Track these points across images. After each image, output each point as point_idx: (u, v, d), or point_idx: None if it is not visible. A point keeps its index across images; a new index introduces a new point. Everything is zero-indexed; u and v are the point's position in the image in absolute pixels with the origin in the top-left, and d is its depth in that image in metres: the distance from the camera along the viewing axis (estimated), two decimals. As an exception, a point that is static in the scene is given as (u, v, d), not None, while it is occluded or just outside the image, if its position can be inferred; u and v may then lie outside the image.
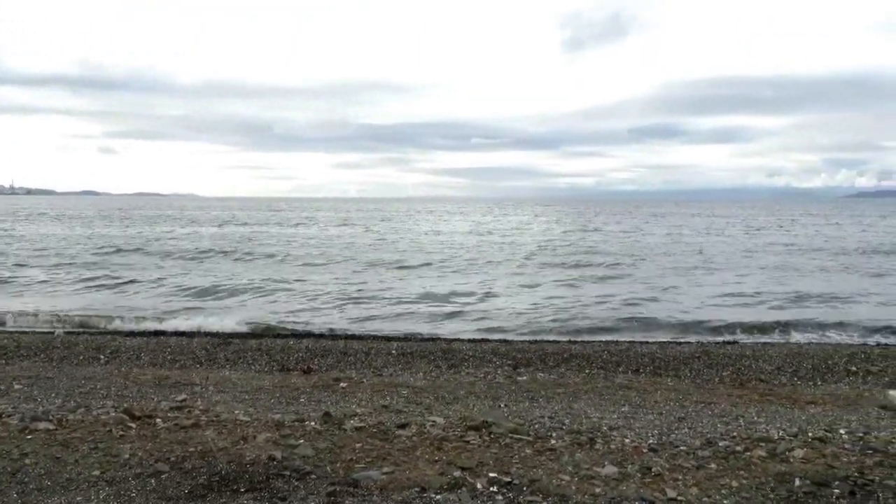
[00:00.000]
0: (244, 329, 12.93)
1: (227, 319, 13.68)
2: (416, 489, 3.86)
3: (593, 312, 15.15)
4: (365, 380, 8.40)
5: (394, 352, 10.13)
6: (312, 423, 5.45)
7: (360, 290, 18.38)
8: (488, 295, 17.79)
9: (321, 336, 12.09)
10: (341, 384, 8.02)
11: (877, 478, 4.11)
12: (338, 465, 4.30)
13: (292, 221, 62.89)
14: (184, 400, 6.59)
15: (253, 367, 9.31)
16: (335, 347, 10.45)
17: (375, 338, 11.97)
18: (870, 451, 4.76)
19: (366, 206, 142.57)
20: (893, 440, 5.14)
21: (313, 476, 4.07)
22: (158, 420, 5.44)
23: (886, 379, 8.72)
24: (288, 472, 4.11)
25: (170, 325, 13.26)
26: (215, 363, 9.57)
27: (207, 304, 16.53)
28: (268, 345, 10.72)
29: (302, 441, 4.83)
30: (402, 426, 5.41)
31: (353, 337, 12.06)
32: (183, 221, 61.67)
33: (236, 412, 5.96)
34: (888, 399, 7.08)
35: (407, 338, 12.01)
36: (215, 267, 24.81)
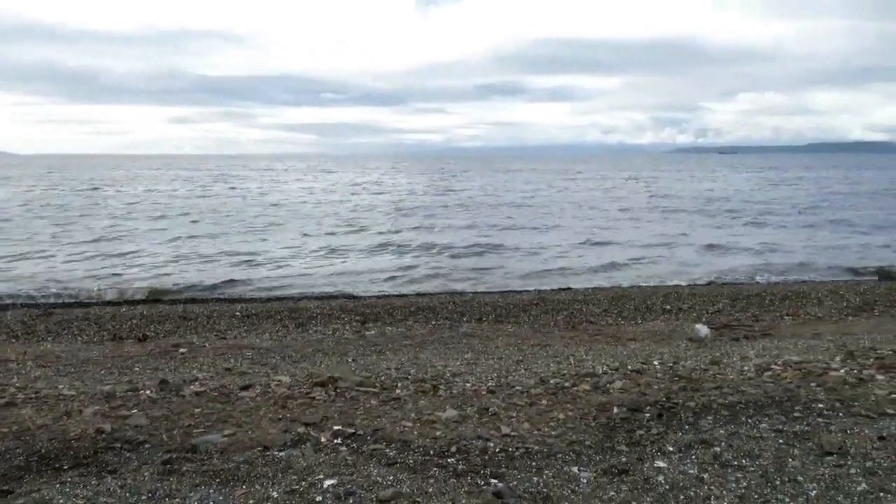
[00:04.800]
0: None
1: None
2: (259, 448, 3.81)
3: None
4: (207, 344, 8.09)
5: (238, 314, 9.81)
6: (147, 392, 5.17)
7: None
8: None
9: (157, 301, 11.40)
10: (181, 350, 7.67)
11: (680, 401, 4.64)
12: (175, 432, 4.13)
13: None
14: (-5, 378, 5.98)
15: (80, 338, 8.62)
16: (174, 312, 9.92)
17: (218, 300, 11.51)
18: (677, 379, 5.36)
19: (206, 164, 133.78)
20: (696, 368, 5.82)
21: (147, 445, 3.89)
22: (-37, 402, 4.90)
23: (694, 315, 9.81)
24: (119, 445, 3.89)
25: None
26: (35, 336, 8.74)
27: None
28: (97, 313, 9.95)
29: (135, 411, 4.58)
30: (246, 388, 5.30)
31: (194, 300, 11.50)
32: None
33: (60, 387, 5.52)
34: (694, 332, 7.98)
35: (252, 299, 11.67)
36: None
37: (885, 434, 3.89)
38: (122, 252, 17.68)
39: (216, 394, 5.11)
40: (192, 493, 3.24)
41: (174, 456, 3.71)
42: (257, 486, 3.32)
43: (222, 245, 18.81)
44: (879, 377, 5.24)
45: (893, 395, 4.70)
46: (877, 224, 24.75)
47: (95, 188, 47.72)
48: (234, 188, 49.19)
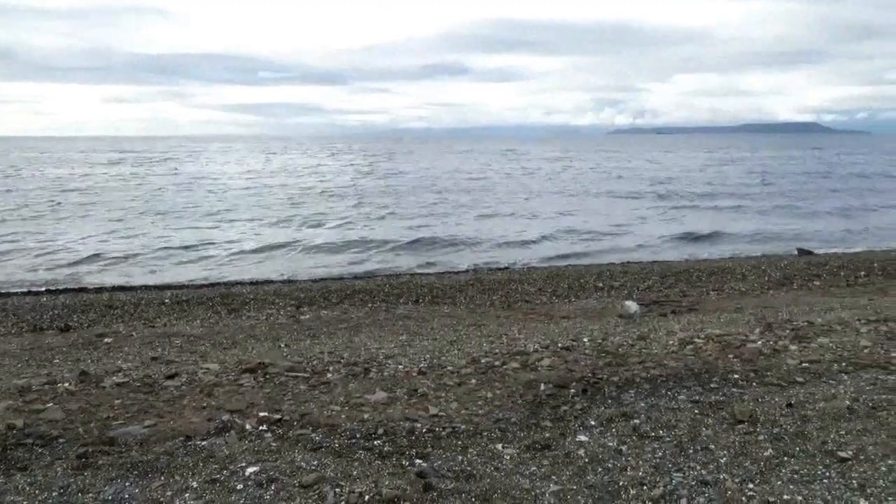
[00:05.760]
0: None
1: None
2: (181, 438, 3.72)
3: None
4: (134, 333, 7.84)
5: (167, 301, 9.53)
6: (66, 385, 4.98)
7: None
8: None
9: (82, 290, 10.96)
10: (106, 339, 7.41)
11: (605, 376, 4.76)
12: (92, 425, 3.99)
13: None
14: None
15: (-5, 331, 8.22)
16: (98, 301, 9.56)
17: (146, 287, 11.15)
18: (604, 355, 5.49)
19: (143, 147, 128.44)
20: (623, 343, 5.97)
21: (61, 440, 3.74)
22: None
23: (625, 292, 10.07)
24: (31, 440, 3.73)
25: None
26: (-55, 330, 8.29)
27: None
28: (14, 303, 9.50)
29: (51, 405, 4.40)
30: (172, 376, 5.16)
31: (121, 288, 11.11)
32: None
33: (-29, 382, 5.25)
34: (624, 309, 8.18)
35: (182, 285, 11.36)
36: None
37: (792, 401, 4.09)
38: (48, 243, 16.93)
39: (139, 384, 4.95)
40: (106, 487, 3.14)
41: (90, 450, 3.58)
42: (176, 477, 3.24)
43: (154, 235, 18.19)
44: (793, 347, 5.50)
45: (804, 364, 4.95)
46: (834, 207, 25.96)
47: (18, 170, 45.45)
48: (177, 171, 47.70)
